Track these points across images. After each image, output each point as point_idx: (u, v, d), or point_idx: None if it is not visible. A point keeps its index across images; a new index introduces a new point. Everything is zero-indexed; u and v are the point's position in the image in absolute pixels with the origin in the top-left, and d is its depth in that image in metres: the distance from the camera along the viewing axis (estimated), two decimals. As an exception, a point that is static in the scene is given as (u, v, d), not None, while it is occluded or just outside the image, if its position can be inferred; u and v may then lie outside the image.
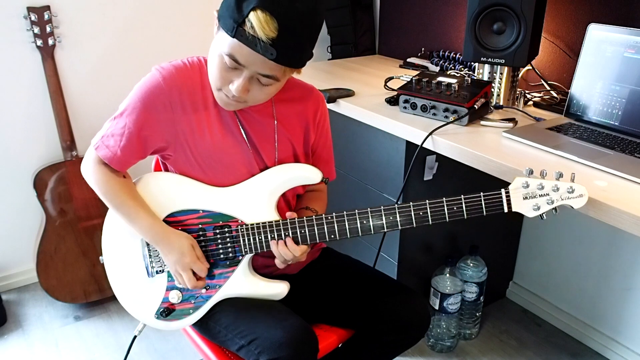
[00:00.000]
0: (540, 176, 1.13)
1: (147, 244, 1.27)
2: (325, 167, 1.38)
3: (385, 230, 1.19)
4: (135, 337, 1.39)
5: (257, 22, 1.00)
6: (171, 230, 1.22)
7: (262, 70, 1.07)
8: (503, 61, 1.71)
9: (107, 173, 1.23)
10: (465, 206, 1.15)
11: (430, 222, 1.16)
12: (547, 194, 1.11)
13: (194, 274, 1.23)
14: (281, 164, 1.26)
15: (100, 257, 1.34)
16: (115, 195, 1.22)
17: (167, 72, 1.17)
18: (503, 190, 1.13)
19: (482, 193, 1.14)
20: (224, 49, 1.07)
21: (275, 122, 1.26)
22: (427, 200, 1.16)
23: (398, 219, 1.17)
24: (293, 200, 1.35)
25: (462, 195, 1.14)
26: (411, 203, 1.16)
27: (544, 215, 1.13)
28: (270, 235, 1.22)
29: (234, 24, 1.02)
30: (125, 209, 1.23)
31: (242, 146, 1.23)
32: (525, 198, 1.13)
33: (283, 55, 1.04)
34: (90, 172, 1.24)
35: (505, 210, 1.14)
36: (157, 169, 1.42)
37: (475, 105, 1.58)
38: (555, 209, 1.13)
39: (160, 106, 1.17)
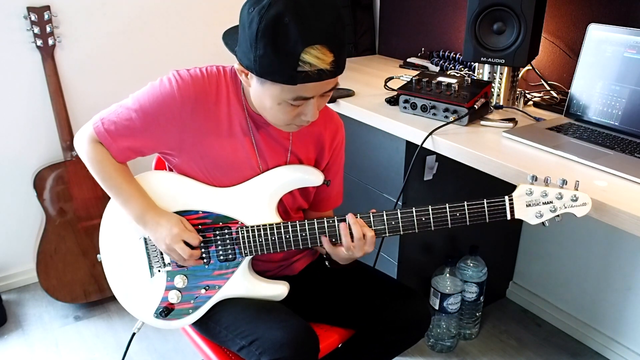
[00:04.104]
0: (544, 183, 1.12)
1: (146, 243, 1.27)
2: (335, 196, 1.39)
3: (387, 234, 1.19)
4: (134, 334, 1.39)
5: (315, 59, 0.99)
6: (161, 210, 1.22)
7: (327, 88, 1.08)
8: (503, 61, 1.71)
9: (101, 152, 1.21)
10: (468, 213, 1.14)
11: (433, 228, 1.16)
12: (551, 202, 1.10)
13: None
14: None
15: (97, 256, 1.33)
16: (109, 176, 1.22)
17: (184, 82, 1.16)
18: (507, 198, 1.12)
19: (485, 200, 1.13)
20: (287, 96, 1.06)
21: (291, 142, 1.25)
22: (429, 206, 1.15)
23: (400, 223, 1.17)
24: (292, 212, 1.34)
25: (465, 202, 1.14)
26: (414, 208, 1.16)
27: (546, 222, 1.13)
28: (271, 238, 1.22)
29: (292, 72, 1.01)
30: (118, 190, 1.22)
31: (251, 163, 1.23)
32: (529, 205, 1.12)
33: (343, 63, 1.06)
34: (85, 149, 1.22)
35: (508, 217, 1.13)
36: (158, 167, 1.42)
37: (475, 105, 1.58)
38: (557, 216, 1.12)
39: (169, 115, 1.16)
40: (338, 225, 1.19)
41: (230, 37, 1.15)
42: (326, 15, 1.00)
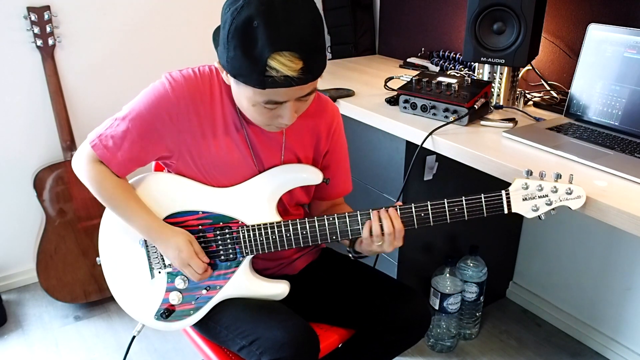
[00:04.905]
0: (539, 177, 1.13)
1: (146, 245, 1.26)
2: (343, 183, 1.38)
3: None
4: (134, 337, 1.39)
5: (281, 65, 0.98)
6: (169, 228, 1.22)
7: (302, 93, 1.06)
8: (503, 61, 1.71)
9: (101, 172, 1.20)
10: (466, 207, 1.15)
11: (432, 223, 1.17)
12: (546, 195, 1.12)
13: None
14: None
15: (97, 259, 1.33)
16: (110, 195, 1.21)
17: (177, 83, 1.15)
18: (503, 192, 1.14)
19: (482, 194, 1.15)
20: (259, 99, 1.05)
21: (284, 137, 1.25)
22: (428, 202, 1.16)
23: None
24: (292, 209, 1.34)
25: (463, 197, 1.15)
26: (413, 204, 1.17)
27: (542, 216, 1.14)
28: (272, 236, 1.22)
29: (259, 76, 1.00)
30: (122, 209, 1.22)
31: (246, 160, 1.23)
32: (525, 199, 1.14)
33: (315, 70, 1.03)
34: (84, 170, 1.21)
35: (506, 211, 1.15)
36: (157, 168, 1.42)
37: (475, 105, 1.58)
38: (553, 209, 1.14)
39: (166, 117, 1.15)
40: (362, 217, 1.18)
41: (217, 35, 1.15)
42: (298, 21, 0.98)
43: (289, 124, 1.11)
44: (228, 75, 1.08)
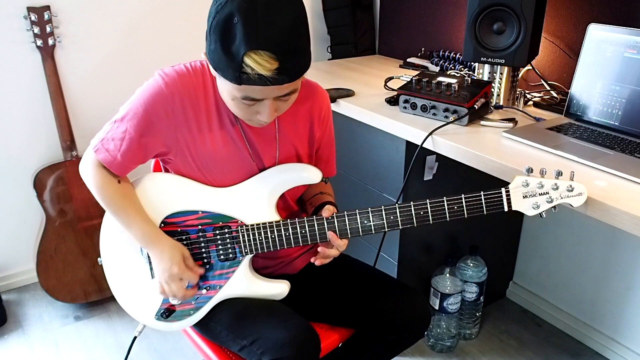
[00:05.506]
0: (539, 175, 1.13)
1: (147, 245, 1.27)
2: (326, 165, 1.39)
3: (386, 229, 1.19)
4: (135, 338, 1.39)
5: (255, 64, 0.98)
6: (165, 238, 1.22)
7: (280, 93, 1.06)
8: (503, 61, 1.71)
9: (104, 177, 1.21)
10: (466, 205, 1.15)
11: (431, 221, 1.17)
12: (547, 193, 1.12)
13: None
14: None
15: (98, 259, 1.33)
16: (112, 201, 1.21)
17: (170, 78, 1.16)
18: (503, 189, 1.14)
19: (482, 192, 1.15)
20: (237, 94, 1.06)
21: (278, 126, 1.25)
22: (427, 200, 1.16)
23: (399, 218, 1.18)
24: (293, 203, 1.35)
25: (462, 194, 1.15)
26: (412, 202, 1.17)
27: (543, 213, 1.14)
28: (271, 236, 1.22)
29: (235, 72, 1.00)
30: (121, 215, 1.22)
31: (242, 153, 1.23)
32: (525, 197, 1.13)
33: (292, 72, 1.03)
34: (89, 175, 1.23)
35: (506, 209, 1.15)
36: (156, 169, 1.42)
37: (475, 105, 1.58)
38: (554, 207, 1.13)
39: (162, 113, 1.16)
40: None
41: None
42: (279, 21, 0.98)
43: (268, 121, 1.12)
44: (211, 67, 1.09)
